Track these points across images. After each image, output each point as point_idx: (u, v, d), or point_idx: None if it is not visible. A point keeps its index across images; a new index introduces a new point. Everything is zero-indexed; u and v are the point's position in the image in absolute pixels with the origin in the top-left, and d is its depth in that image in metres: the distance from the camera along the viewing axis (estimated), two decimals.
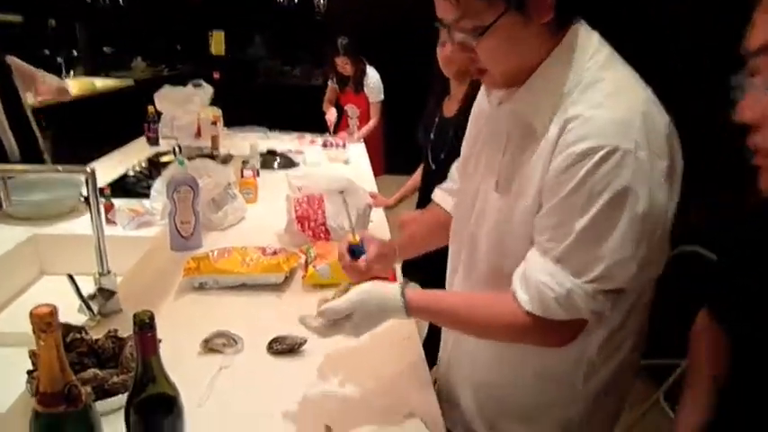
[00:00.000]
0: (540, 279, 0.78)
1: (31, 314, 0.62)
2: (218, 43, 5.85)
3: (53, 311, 0.62)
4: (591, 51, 0.78)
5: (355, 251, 1.06)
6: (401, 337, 1.18)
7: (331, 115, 3.60)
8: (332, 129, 3.52)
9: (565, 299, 0.76)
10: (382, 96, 3.61)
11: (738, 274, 0.86)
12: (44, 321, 0.62)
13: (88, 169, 1.13)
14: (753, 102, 0.59)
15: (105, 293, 1.15)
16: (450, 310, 0.90)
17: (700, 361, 0.94)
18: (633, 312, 0.88)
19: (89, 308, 1.11)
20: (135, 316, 0.66)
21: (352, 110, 3.53)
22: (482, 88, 1.05)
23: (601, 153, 0.70)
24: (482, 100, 1.00)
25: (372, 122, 3.61)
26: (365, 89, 3.57)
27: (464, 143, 1.10)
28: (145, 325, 0.66)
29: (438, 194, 1.22)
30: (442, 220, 1.14)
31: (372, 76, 3.56)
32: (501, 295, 0.84)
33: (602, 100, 0.74)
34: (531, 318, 0.80)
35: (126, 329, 0.65)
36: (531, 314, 0.79)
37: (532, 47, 0.79)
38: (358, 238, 1.07)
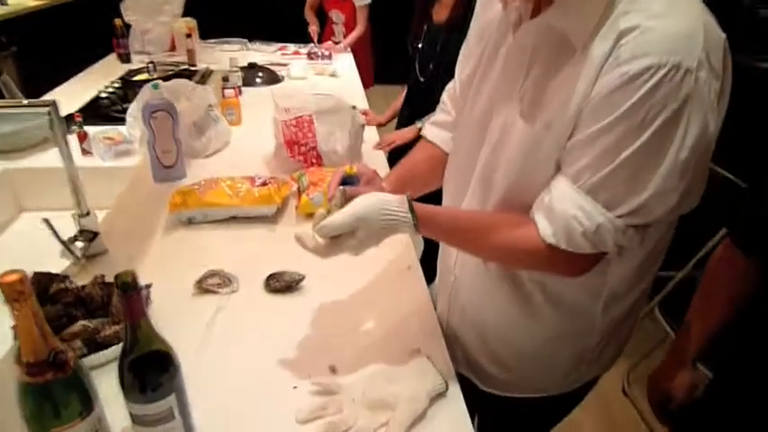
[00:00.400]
0: (568, 212, 0.71)
1: None
2: None
3: (22, 278, 0.56)
4: None
5: (346, 182, 0.98)
6: (401, 268, 1.14)
7: (314, 25, 3.36)
8: (316, 39, 3.30)
9: (593, 233, 0.71)
10: None
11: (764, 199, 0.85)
12: (14, 290, 0.56)
13: (51, 101, 1.01)
14: None
15: (87, 235, 1.09)
16: (463, 229, 0.84)
17: (716, 286, 0.97)
18: (660, 242, 0.83)
19: (71, 252, 1.05)
20: (116, 278, 0.60)
21: (336, 15, 3.28)
22: None
23: (662, 72, 0.61)
24: (488, 11, 0.88)
25: (359, 29, 3.36)
26: None
27: (461, 64, 0.97)
28: (128, 287, 0.60)
29: (430, 131, 1.09)
30: (440, 157, 1.04)
31: None
32: (519, 219, 0.79)
33: (661, 8, 0.64)
34: (551, 248, 0.75)
35: (113, 273, 0.60)
36: (553, 245, 0.75)
37: None
38: (355, 169, 0.98)
